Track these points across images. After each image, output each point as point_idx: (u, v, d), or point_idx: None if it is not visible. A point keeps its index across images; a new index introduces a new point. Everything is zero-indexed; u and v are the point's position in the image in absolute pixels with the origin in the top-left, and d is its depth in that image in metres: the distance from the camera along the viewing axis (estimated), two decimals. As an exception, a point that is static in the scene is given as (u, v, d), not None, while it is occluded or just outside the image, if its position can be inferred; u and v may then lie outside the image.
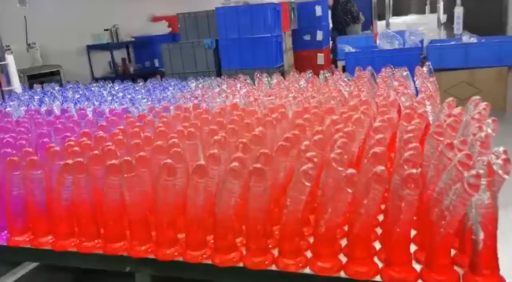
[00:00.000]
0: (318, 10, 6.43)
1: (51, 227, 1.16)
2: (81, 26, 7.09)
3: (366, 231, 0.87)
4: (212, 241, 1.05)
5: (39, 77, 5.42)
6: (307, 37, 6.66)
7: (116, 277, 1.22)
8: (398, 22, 6.63)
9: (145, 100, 1.95)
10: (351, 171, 0.83)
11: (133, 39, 8.26)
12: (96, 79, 7.37)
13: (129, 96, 2.02)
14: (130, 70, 8.04)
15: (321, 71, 2.22)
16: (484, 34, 4.26)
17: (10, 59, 2.33)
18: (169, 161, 0.97)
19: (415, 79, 1.74)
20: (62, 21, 6.59)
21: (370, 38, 4.88)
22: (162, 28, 8.61)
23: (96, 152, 1.10)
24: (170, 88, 2.19)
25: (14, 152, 1.21)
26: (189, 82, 2.29)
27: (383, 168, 0.81)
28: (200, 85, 2.27)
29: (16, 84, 2.37)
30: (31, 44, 6.06)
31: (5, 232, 1.20)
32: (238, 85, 2.10)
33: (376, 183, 0.80)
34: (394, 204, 0.83)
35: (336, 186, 0.87)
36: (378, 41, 4.27)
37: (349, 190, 0.82)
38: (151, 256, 1.06)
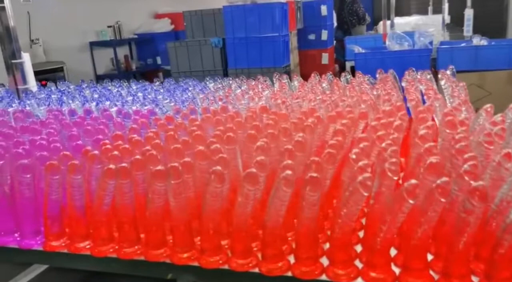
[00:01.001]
0: (324, 10, 6.42)
1: (89, 232, 1.14)
2: (84, 22, 7.04)
3: (423, 242, 0.86)
4: (256, 249, 1.04)
5: (42, 74, 5.37)
6: (311, 37, 6.64)
7: (125, 278, 1.20)
8: (401, 22, 6.62)
9: (167, 101, 1.93)
10: (413, 182, 0.82)
11: (135, 36, 8.23)
12: (98, 76, 7.33)
13: (150, 96, 2.00)
14: (132, 67, 8.00)
15: (343, 74, 2.21)
16: (484, 36, 4.26)
17: (26, 57, 2.30)
18: (219, 168, 0.95)
19: (443, 82, 1.73)
20: (65, 17, 6.54)
21: (379, 38, 4.88)
22: (165, 26, 8.57)
23: (138, 156, 1.08)
24: (190, 88, 2.17)
25: (48, 155, 1.19)
26: (207, 83, 2.27)
27: (445, 179, 0.80)
28: (219, 85, 2.25)
29: (32, 83, 2.34)
30: (34, 40, 6.02)
31: (40, 236, 1.18)
32: (260, 86, 2.08)
33: (441, 195, 0.79)
34: (456, 217, 0.82)
35: (394, 196, 0.86)
36: (387, 42, 4.26)
37: (411, 201, 0.81)
38: (194, 264, 1.04)
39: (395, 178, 0.90)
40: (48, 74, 5.56)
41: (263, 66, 4.95)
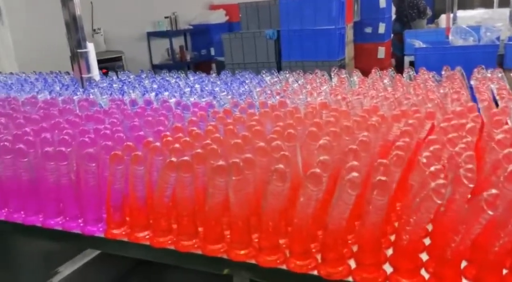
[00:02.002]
0: (382, 2, 6.22)
1: (149, 222, 1.15)
2: (143, 13, 7.23)
3: (502, 257, 0.80)
4: (314, 250, 1.01)
5: (103, 62, 5.57)
6: (368, 30, 6.47)
7: (172, 268, 1.19)
8: (465, 16, 6.27)
9: (224, 93, 1.93)
10: (493, 191, 0.76)
11: (191, 27, 8.35)
12: (154, 66, 7.52)
13: (207, 88, 2.01)
14: (187, 58, 8.14)
15: (406, 69, 2.11)
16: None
17: (90, 46, 2.37)
18: (281, 166, 0.93)
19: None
20: (125, 7, 6.73)
21: (441, 33, 4.65)
22: (220, 17, 8.64)
23: (199, 150, 1.08)
24: (247, 81, 2.15)
25: (112, 144, 1.21)
26: (264, 76, 2.25)
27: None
28: (275, 79, 2.22)
29: (95, 72, 2.41)
30: (96, 29, 6.24)
31: (102, 224, 1.21)
32: (318, 81, 2.03)
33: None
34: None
35: (470, 205, 0.80)
36: (450, 37, 4.06)
37: (490, 212, 0.75)
38: (251, 261, 1.03)
39: (471, 186, 0.84)
40: (108, 63, 5.77)
41: (317, 59, 4.87)
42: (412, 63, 4.15)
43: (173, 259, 1.12)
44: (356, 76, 2.05)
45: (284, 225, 1.06)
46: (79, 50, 2.33)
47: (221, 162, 0.98)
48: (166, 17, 7.53)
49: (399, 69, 3.64)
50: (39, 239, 1.32)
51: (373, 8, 6.19)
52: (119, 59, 6.28)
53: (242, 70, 2.41)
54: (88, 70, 2.39)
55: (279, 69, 5.05)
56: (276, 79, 2.23)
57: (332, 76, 2.11)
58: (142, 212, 1.14)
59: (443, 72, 1.99)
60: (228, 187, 0.99)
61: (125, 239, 1.17)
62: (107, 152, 1.17)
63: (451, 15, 5.23)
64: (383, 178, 0.84)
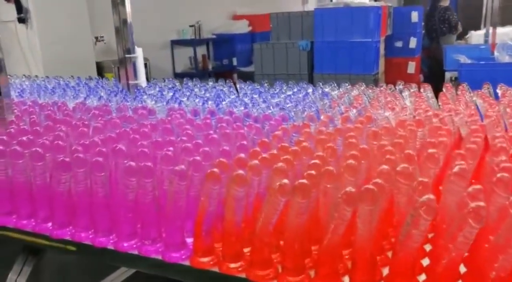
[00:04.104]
0: (414, 16, 6.09)
1: (243, 252, 1.01)
2: (168, 21, 7.17)
3: None
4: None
5: (128, 69, 5.48)
6: (398, 44, 6.33)
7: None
8: (501, 32, 6.11)
9: (290, 105, 1.79)
10: None
11: (214, 36, 8.28)
12: (176, 74, 7.43)
13: (274, 101, 1.87)
14: (209, 67, 8.05)
15: (460, 87, 1.95)
16: None
17: (139, 52, 2.25)
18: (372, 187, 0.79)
19: None
20: (152, 15, 6.66)
21: (485, 49, 4.50)
22: (243, 27, 8.56)
23: (312, 172, 0.93)
24: (309, 91, 2.02)
25: (201, 161, 1.07)
26: (325, 88, 2.11)
27: None
28: (335, 91, 2.08)
29: (142, 78, 2.29)
30: (98, 37, 6.14)
31: (185, 250, 1.07)
32: (386, 95, 1.89)
33: None
34: None
35: None
36: (496, 53, 3.91)
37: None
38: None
39: None
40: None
41: (351, 72, 4.73)
42: (454, 79, 3.99)
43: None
44: (430, 91, 1.90)
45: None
46: (127, 55, 2.21)
47: (350, 188, 0.83)
48: (190, 26, 7.45)
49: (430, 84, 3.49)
50: (114, 263, 1.17)
51: (404, 22, 6.06)
52: (144, 66, 6.17)
53: (273, 82, 2.28)
54: (135, 76, 2.27)
55: (310, 81, 4.92)
56: (337, 91, 2.09)
57: (401, 91, 1.97)
58: (238, 239, 0.99)
59: (498, 90, 1.84)
60: (370, 215, 0.84)
61: (215, 269, 1.02)
62: (196, 169, 1.03)
63: (481, 31, 5.07)
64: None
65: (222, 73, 8.15)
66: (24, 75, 3.01)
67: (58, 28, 5.21)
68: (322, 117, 1.53)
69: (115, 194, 1.10)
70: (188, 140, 1.25)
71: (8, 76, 2.87)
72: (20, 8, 4.96)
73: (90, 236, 1.15)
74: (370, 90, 1.99)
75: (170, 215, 1.04)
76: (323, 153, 1.09)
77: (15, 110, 1.78)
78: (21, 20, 5.09)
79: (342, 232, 0.88)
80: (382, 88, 1.98)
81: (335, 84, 2.12)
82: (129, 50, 2.21)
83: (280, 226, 0.96)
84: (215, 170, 0.97)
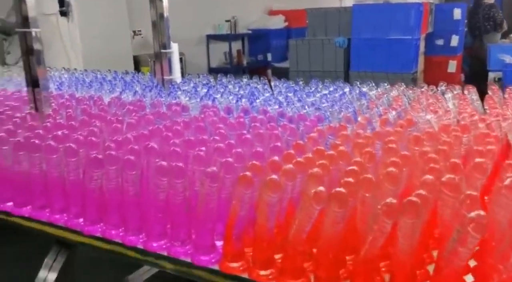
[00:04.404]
0: (457, 13, 5.86)
1: (273, 259, 0.97)
2: (204, 16, 7.19)
3: None
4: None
5: (163, 63, 5.53)
6: (439, 42, 6.11)
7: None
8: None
9: (326, 104, 1.73)
10: None
11: (249, 31, 8.25)
12: (211, 69, 7.46)
13: (309, 100, 1.82)
14: (243, 62, 8.05)
15: (508, 89, 1.83)
16: None
17: (174, 47, 2.25)
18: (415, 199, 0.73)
19: None
20: (189, 10, 6.70)
21: (533, 49, 4.28)
22: (278, 22, 8.51)
23: (350, 179, 0.88)
24: (346, 90, 1.96)
25: (233, 162, 1.04)
26: (363, 88, 2.04)
27: None
28: (373, 91, 2.01)
29: (177, 74, 2.29)
30: (136, 31, 6.20)
31: (214, 254, 1.04)
32: (427, 97, 1.80)
33: None
34: None
35: None
36: (546, 54, 3.70)
37: None
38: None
39: None
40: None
41: (389, 70, 4.61)
42: (498, 80, 3.82)
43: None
44: (474, 94, 1.80)
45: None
46: (163, 51, 2.20)
47: (390, 200, 0.78)
48: (226, 21, 7.45)
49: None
50: (145, 264, 1.16)
51: (446, 20, 5.85)
52: (180, 61, 6.22)
53: (308, 79, 2.22)
54: (170, 71, 2.26)
55: (346, 79, 4.82)
56: (375, 91, 2.01)
57: (443, 92, 1.87)
58: (270, 245, 0.96)
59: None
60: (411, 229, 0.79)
61: (244, 276, 0.99)
62: (228, 171, 1.00)
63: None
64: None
65: (256, 69, 8.12)
66: (63, 68, 3.07)
67: (98, 22, 5.31)
68: (359, 119, 1.47)
69: (146, 193, 1.08)
70: (221, 140, 1.23)
71: (48, 69, 2.94)
72: (62, 2, 5.07)
73: (121, 234, 1.14)
74: (411, 91, 1.91)
75: (200, 217, 1.01)
76: (361, 158, 1.04)
77: (53, 104, 1.80)
78: (63, 14, 5.22)
79: (381, 244, 0.83)
80: (423, 89, 1.90)
81: (373, 84, 2.05)
82: (165, 45, 2.20)
83: (314, 234, 0.92)
84: (248, 173, 0.93)
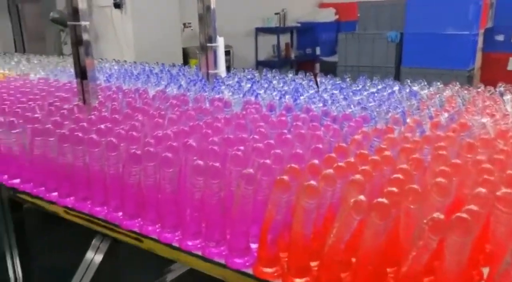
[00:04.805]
0: (521, 7, 5.49)
1: (310, 267, 0.93)
2: (253, 8, 7.17)
3: None
4: None
5: (211, 56, 5.57)
6: (499, 38, 5.77)
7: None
8: None
9: (373, 104, 1.66)
10: None
11: (298, 24, 8.18)
12: (259, 62, 7.44)
13: (356, 98, 1.75)
14: (291, 55, 7.99)
15: None
16: None
17: (220, 41, 2.23)
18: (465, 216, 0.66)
19: None
20: (238, 2, 6.70)
21: None
22: (329, 15, 8.37)
23: (394, 189, 0.83)
24: (395, 89, 1.87)
25: (271, 164, 1.01)
26: (413, 87, 1.94)
27: None
28: (425, 91, 1.90)
29: (222, 68, 2.28)
30: (186, 24, 6.26)
31: (248, 257, 1.01)
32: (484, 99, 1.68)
33: None
34: None
35: None
36: None
37: None
38: None
39: None
40: (217, 57, 5.76)
41: (443, 67, 4.39)
42: None
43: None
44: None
45: None
46: (209, 44, 2.20)
47: (438, 215, 0.72)
48: (276, 14, 7.41)
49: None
50: (178, 262, 1.15)
51: (508, 14, 5.50)
52: (227, 53, 6.26)
53: (356, 74, 2.13)
54: (215, 65, 2.25)
55: (397, 75, 4.65)
56: (426, 90, 1.91)
57: (501, 93, 1.75)
58: (306, 253, 0.92)
59: None
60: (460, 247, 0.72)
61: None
62: (266, 173, 0.97)
63: None
64: None
65: (304, 63, 8.04)
66: (114, 59, 3.15)
67: (150, 14, 5.41)
68: (408, 120, 1.40)
69: (183, 191, 1.07)
70: (260, 139, 1.19)
71: (99, 60, 3.02)
72: (116, -6, 5.21)
73: (157, 230, 1.14)
74: (466, 91, 1.79)
75: (235, 218, 0.99)
76: (407, 165, 0.97)
77: (100, 96, 1.84)
78: (117, 6, 5.36)
79: (425, 260, 0.77)
80: (479, 90, 1.78)
81: (425, 83, 1.94)
82: (211, 39, 2.19)
83: (353, 244, 0.87)
84: (285, 177, 0.90)
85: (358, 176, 0.89)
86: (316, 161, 1.01)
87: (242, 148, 1.12)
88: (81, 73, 1.73)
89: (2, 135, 1.44)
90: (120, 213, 1.21)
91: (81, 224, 1.29)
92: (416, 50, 4.48)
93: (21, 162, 1.43)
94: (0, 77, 2.58)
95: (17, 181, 1.46)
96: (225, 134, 1.28)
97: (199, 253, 1.06)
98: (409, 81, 2.03)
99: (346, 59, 4.92)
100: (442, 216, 0.72)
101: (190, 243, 1.08)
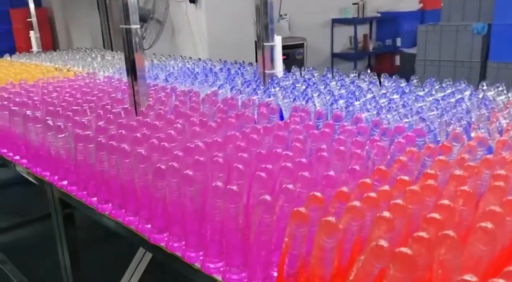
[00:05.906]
0: None
1: None
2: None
3: None
4: None
5: (284, 49, 5.46)
6: None
7: None
8: None
9: (435, 113, 1.48)
10: None
11: (378, 14, 7.79)
12: (334, 54, 7.21)
13: (417, 104, 1.58)
14: (369, 47, 7.64)
15: None
16: None
17: (278, 40, 2.14)
18: None
19: None
20: (314, -7, 6.51)
21: None
22: (412, 4, 7.87)
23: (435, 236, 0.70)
24: (466, 94, 1.66)
25: (293, 189, 0.92)
26: (488, 92, 1.71)
27: None
28: (502, 96, 1.67)
29: (279, 68, 2.18)
30: (282, 15, 6.18)
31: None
32: None
33: None
34: None
35: None
36: None
37: None
38: None
39: None
40: (289, 50, 5.65)
41: (538, 62, 3.90)
42: None
43: None
44: None
45: None
46: (265, 44, 2.12)
47: (471, 276, 0.59)
48: (354, 4, 7.11)
49: None
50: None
51: None
52: (301, 46, 6.12)
53: (437, 69, 1.91)
54: (272, 65, 2.17)
55: (483, 71, 4.23)
56: (504, 96, 1.68)
57: None
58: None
59: None
60: None
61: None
62: (288, 200, 0.88)
63: None
64: None
65: (383, 55, 7.64)
66: (180, 56, 3.19)
67: (224, 10, 5.44)
68: (473, 136, 1.22)
69: (206, 210, 1.02)
70: (294, 155, 1.10)
71: (161, 57, 3.07)
72: (191, -12, 5.30)
73: (182, 248, 1.10)
74: (552, 100, 1.54)
75: (254, 245, 0.92)
76: (451, 201, 0.82)
77: (150, 98, 1.85)
78: (192, 0, 5.46)
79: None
80: None
81: (503, 87, 1.70)
82: (268, 37, 2.11)
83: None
84: (302, 209, 0.80)
85: (386, 213, 0.77)
86: (345, 189, 0.90)
87: (270, 166, 1.04)
88: (133, 76, 1.75)
89: (51, 139, 1.49)
90: (149, 225, 1.19)
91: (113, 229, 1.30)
92: (506, 43, 4.03)
93: (67, 165, 1.47)
94: (70, 75, 2.71)
95: (65, 182, 1.51)
96: (260, 147, 1.20)
97: (219, 277, 1.01)
98: (485, 84, 1.80)
99: (426, 53, 4.57)
100: (475, 279, 0.58)
101: (212, 266, 1.03)
